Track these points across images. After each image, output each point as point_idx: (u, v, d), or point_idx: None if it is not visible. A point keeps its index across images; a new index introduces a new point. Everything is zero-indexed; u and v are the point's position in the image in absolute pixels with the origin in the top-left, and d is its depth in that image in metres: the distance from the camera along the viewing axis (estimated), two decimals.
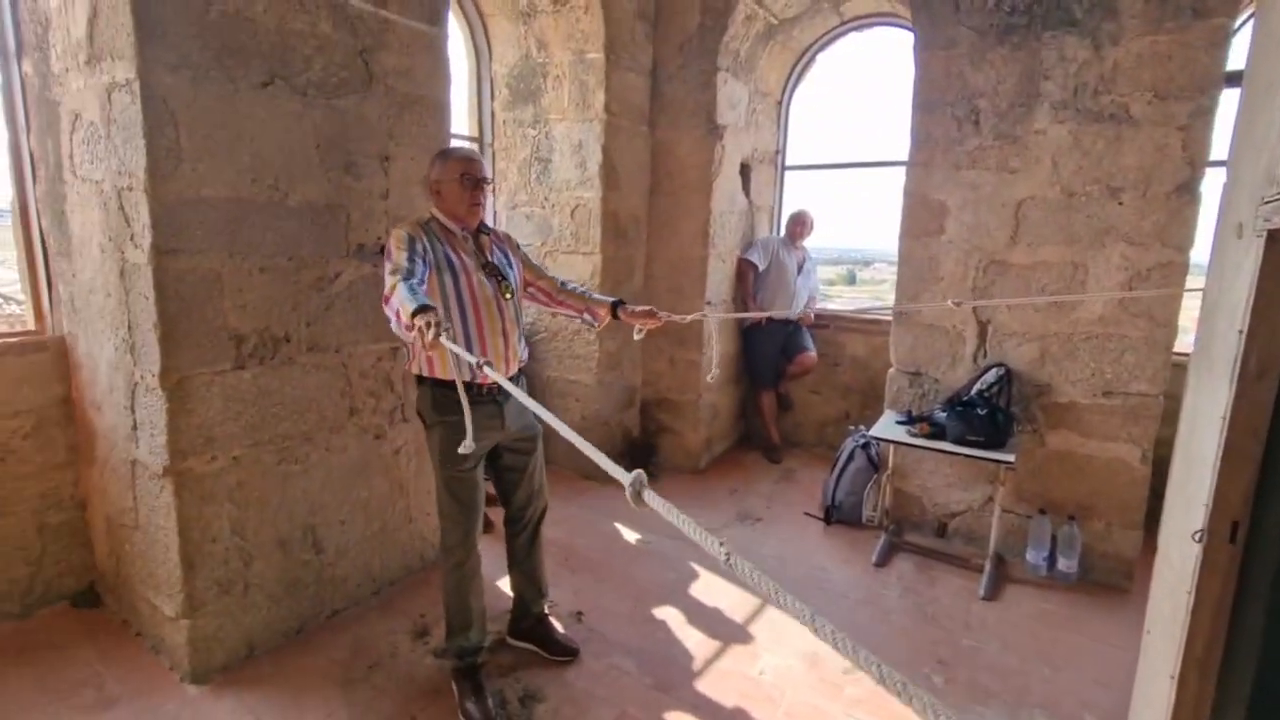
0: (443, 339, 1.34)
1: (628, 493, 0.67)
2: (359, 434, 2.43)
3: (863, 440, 3.32)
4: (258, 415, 2.10)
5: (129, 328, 1.96)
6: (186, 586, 1.99)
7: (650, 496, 0.66)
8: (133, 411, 2.03)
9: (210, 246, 1.94)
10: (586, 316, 2.16)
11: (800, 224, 4.11)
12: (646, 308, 2.12)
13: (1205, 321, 1.53)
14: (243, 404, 2.06)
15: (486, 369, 1.15)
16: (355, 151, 2.28)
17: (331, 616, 2.41)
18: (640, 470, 0.68)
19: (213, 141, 1.90)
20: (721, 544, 0.58)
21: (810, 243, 4.23)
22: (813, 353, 4.12)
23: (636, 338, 2.21)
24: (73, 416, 2.34)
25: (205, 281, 1.94)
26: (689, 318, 2.26)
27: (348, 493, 2.42)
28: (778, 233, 4.43)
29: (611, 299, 2.15)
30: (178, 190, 1.85)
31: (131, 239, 1.88)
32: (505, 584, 2.56)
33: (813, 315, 4.16)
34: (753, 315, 3.94)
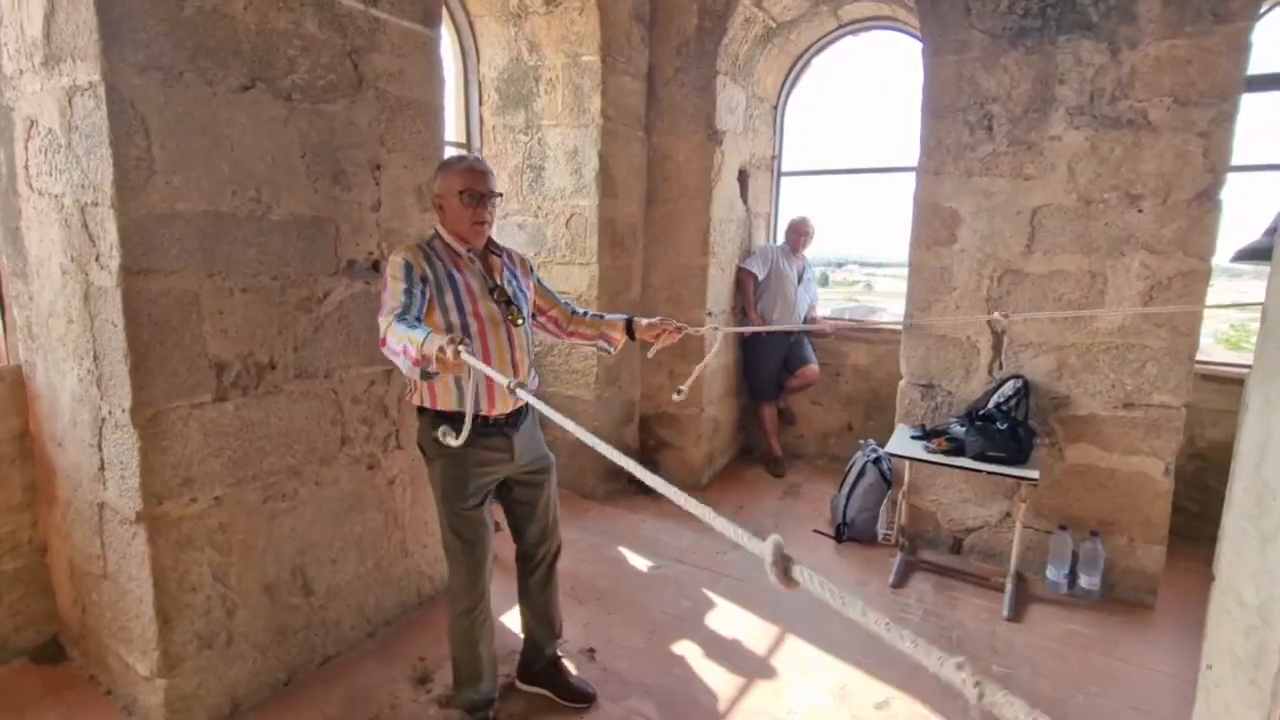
0: (463, 354, 1.22)
1: (771, 574, 0.53)
2: (351, 465, 2.25)
3: (874, 455, 3.22)
4: (241, 450, 1.92)
5: (94, 357, 1.76)
6: (163, 643, 1.80)
7: (803, 574, 0.53)
8: (100, 449, 1.83)
9: (186, 266, 1.75)
10: (601, 343, 2.01)
11: (801, 233, 3.98)
12: (657, 319, 1.95)
13: (1271, 340, 1.45)
14: (225, 439, 1.87)
15: (520, 393, 1.03)
16: (344, 160, 2.10)
17: (323, 664, 2.22)
18: (777, 538, 0.55)
19: (188, 150, 1.72)
20: (959, 665, 0.44)
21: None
22: (815, 365, 4.02)
23: (650, 355, 2.07)
24: (31, 452, 2.12)
25: (181, 305, 1.75)
26: (701, 330, 2.13)
27: (339, 529, 2.24)
28: (774, 240, 4.33)
29: (623, 317, 2.00)
30: (149, 204, 1.66)
31: (97, 259, 1.68)
32: (509, 619, 2.41)
33: (830, 327, 4.05)
34: (762, 329, 3.81)
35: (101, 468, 1.83)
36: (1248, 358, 3.79)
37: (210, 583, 1.89)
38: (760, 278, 3.91)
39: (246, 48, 1.82)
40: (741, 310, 4.01)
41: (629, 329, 1.96)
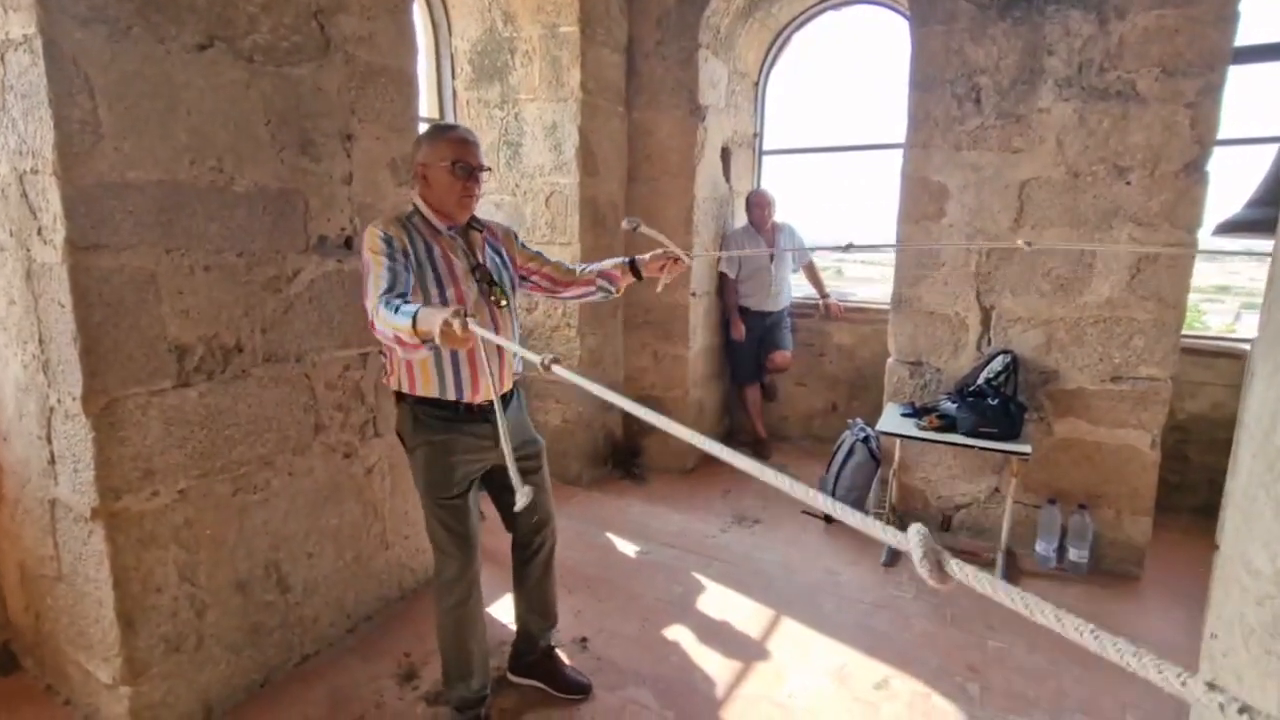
0: (472, 326, 1.16)
1: (922, 568, 0.48)
2: (326, 453, 2.13)
3: (863, 434, 3.19)
4: (207, 440, 1.79)
5: (40, 341, 1.62)
6: (126, 648, 1.67)
7: (961, 568, 0.48)
8: (49, 441, 1.68)
9: (141, 241, 1.61)
10: (601, 282, 1.88)
11: (759, 207, 3.81)
12: (659, 251, 1.83)
13: (1279, 305, 1.43)
14: (189, 428, 1.74)
15: (557, 369, 0.97)
16: (312, 129, 1.97)
17: (301, 663, 2.11)
18: (921, 528, 0.50)
19: (140, 114, 1.57)
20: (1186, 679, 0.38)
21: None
22: (788, 351, 3.91)
23: (659, 291, 1.98)
24: None
25: (136, 283, 1.61)
26: (694, 257, 2.02)
27: (315, 521, 2.12)
28: (744, 223, 4.20)
29: (624, 259, 1.89)
30: (97, 173, 1.52)
31: (39, 233, 1.54)
32: (497, 610, 2.33)
33: (832, 306, 3.96)
34: (762, 252, 3.69)
35: (52, 461, 1.69)
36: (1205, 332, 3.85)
37: (177, 582, 1.76)
38: (733, 276, 3.83)
39: (202, 3, 1.67)
40: (727, 312, 3.92)
41: (634, 269, 1.86)
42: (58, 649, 1.88)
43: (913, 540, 0.49)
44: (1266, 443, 1.42)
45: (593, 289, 1.89)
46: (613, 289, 1.89)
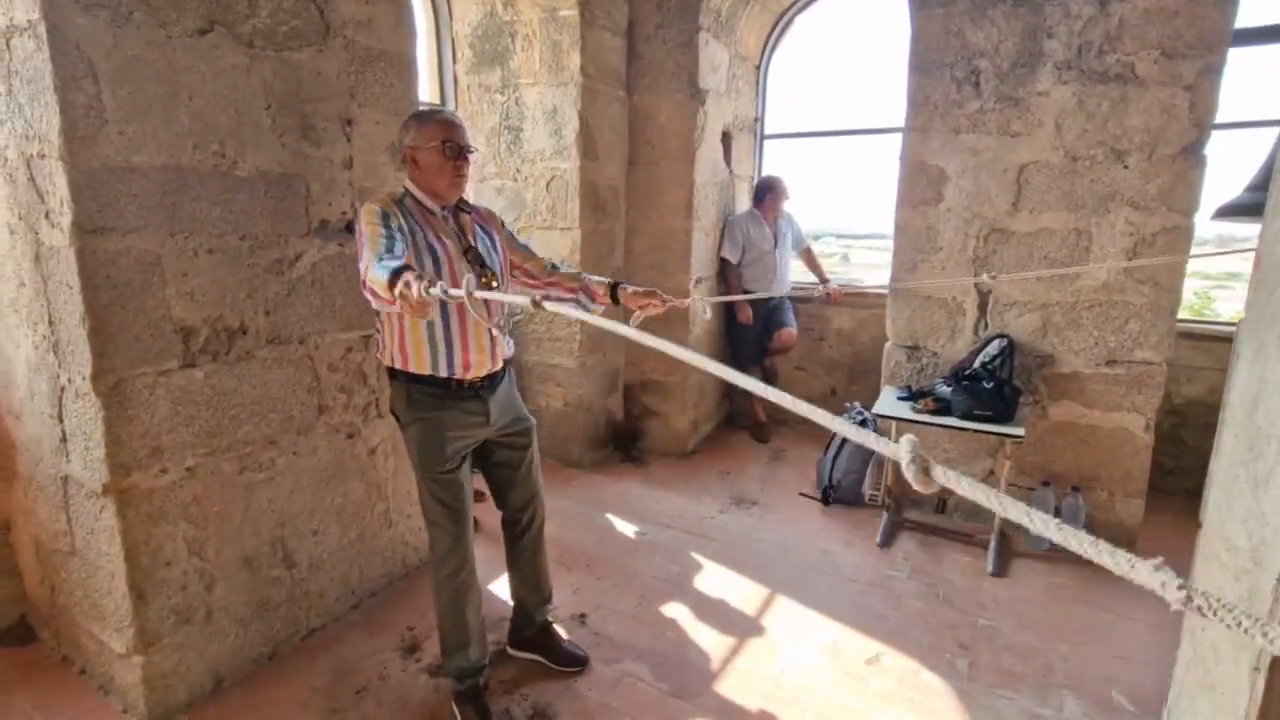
0: (433, 290, 1.15)
1: (908, 473, 0.52)
2: (330, 434, 2.18)
3: (860, 417, 3.22)
4: (213, 419, 1.83)
5: (50, 322, 1.66)
6: (138, 619, 1.73)
7: (944, 474, 0.54)
8: (60, 420, 1.73)
9: (146, 224, 1.65)
10: (582, 297, 1.92)
11: (772, 193, 3.83)
12: (646, 289, 1.88)
13: (1263, 286, 1.45)
14: (195, 407, 1.79)
15: (481, 293, 1.02)
16: (312, 114, 1.99)
17: (308, 636, 2.17)
18: (912, 438, 0.55)
19: (143, 99, 1.60)
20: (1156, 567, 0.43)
21: None
22: (793, 329, 3.96)
23: (633, 324, 2.00)
24: None
25: (142, 265, 1.65)
26: (686, 302, 2.06)
27: (320, 500, 2.17)
28: (748, 206, 4.21)
29: (609, 279, 1.93)
30: (102, 157, 1.55)
31: (47, 216, 1.57)
32: (498, 587, 2.38)
33: (833, 291, 3.94)
34: (743, 299, 3.75)
35: (63, 440, 1.74)
36: (1214, 318, 3.87)
37: (186, 556, 1.82)
38: (735, 262, 3.84)
39: None
40: (729, 294, 3.94)
41: (614, 293, 1.88)
42: (72, 621, 1.94)
43: (903, 447, 0.55)
44: (1248, 422, 1.45)
45: (570, 299, 1.90)
46: (591, 306, 1.90)
